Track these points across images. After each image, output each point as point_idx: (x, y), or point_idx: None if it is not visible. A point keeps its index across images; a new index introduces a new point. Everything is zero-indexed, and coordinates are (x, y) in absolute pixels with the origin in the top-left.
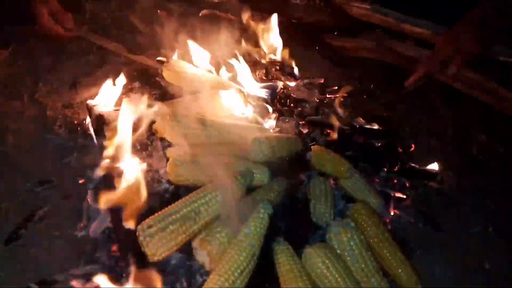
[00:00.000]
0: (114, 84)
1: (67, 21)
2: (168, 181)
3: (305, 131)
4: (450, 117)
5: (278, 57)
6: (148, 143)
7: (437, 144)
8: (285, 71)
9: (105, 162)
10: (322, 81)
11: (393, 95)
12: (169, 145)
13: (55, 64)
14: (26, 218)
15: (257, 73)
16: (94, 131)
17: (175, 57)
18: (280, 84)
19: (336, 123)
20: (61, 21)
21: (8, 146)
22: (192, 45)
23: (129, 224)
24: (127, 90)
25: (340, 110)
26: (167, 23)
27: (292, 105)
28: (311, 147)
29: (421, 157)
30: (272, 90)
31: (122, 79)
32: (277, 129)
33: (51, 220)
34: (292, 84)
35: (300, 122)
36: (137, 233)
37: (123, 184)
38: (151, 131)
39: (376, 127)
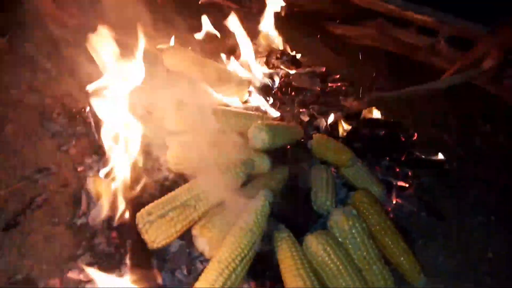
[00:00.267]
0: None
1: (71, 7)
2: (168, 169)
3: (306, 119)
4: (453, 107)
5: (279, 45)
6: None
7: (439, 134)
8: (286, 59)
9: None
10: (323, 69)
11: (394, 84)
12: (169, 133)
13: (55, 52)
14: (25, 206)
15: (258, 62)
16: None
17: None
18: (280, 72)
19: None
20: (64, 8)
21: (6, 134)
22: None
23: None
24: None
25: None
26: (165, 11)
27: (293, 93)
28: (313, 135)
29: (424, 147)
30: (273, 78)
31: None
32: (278, 117)
33: (49, 208)
34: (293, 72)
35: (301, 110)
36: (136, 221)
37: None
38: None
39: (378, 117)
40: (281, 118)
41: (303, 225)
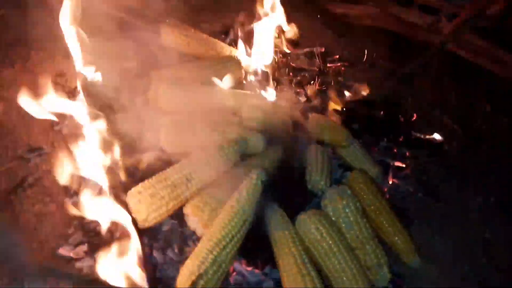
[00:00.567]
0: None
1: None
2: (162, 149)
3: (303, 99)
4: (454, 87)
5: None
6: (143, 110)
7: (439, 114)
8: (285, 39)
9: None
10: (323, 50)
11: (395, 65)
12: (164, 112)
13: (49, 32)
14: (16, 185)
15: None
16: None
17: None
18: (279, 52)
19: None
20: None
21: None
22: None
23: None
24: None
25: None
26: None
27: (291, 74)
28: (309, 115)
29: (423, 127)
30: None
31: None
32: (275, 97)
33: (41, 187)
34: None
35: (298, 91)
36: (127, 199)
37: None
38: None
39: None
40: (278, 98)
41: (298, 205)
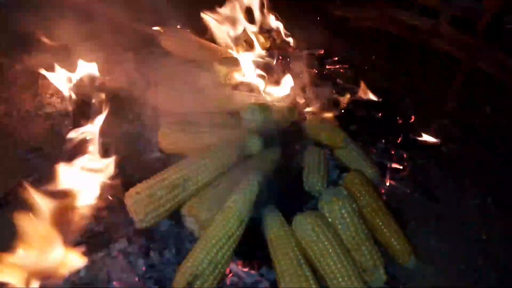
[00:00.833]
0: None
1: None
2: (160, 150)
3: (301, 101)
4: (453, 88)
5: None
6: (141, 112)
7: (438, 116)
8: (285, 41)
9: None
10: (322, 52)
11: (395, 66)
12: (162, 113)
13: (49, 32)
14: (16, 185)
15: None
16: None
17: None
18: (278, 54)
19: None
20: None
21: None
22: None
23: None
24: (122, 59)
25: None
26: None
27: (290, 75)
28: (307, 116)
29: (421, 129)
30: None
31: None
32: (273, 98)
33: (41, 188)
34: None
35: (297, 92)
36: (125, 200)
37: None
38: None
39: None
40: (277, 99)
41: (295, 206)
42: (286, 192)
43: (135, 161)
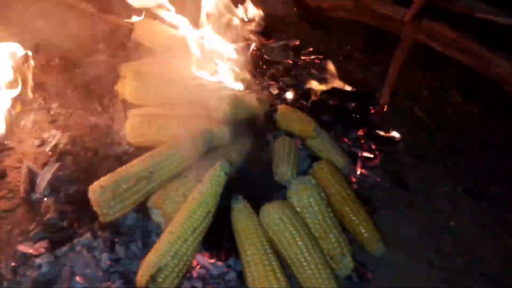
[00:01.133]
0: None
1: None
2: (128, 143)
3: (275, 92)
4: (425, 79)
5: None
6: (110, 104)
7: (411, 105)
8: (259, 32)
9: None
10: (297, 43)
11: (370, 57)
12: (131, 106)
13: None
14: None
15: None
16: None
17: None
18: (252, 45)
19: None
20: None
21: None
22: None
23: None
24: (92, 52)
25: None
26: None
27: (264, 66)
28: (278, 106)
29: (394, 118)
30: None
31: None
32: (246, 89)
33: (4, 183)
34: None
35: (271, 83)
36: (89, 194)
37: None
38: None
39: (350, 89)
40: (249, 91)
41: (265, 197)
42: (256, 183)
43: (102, 154)
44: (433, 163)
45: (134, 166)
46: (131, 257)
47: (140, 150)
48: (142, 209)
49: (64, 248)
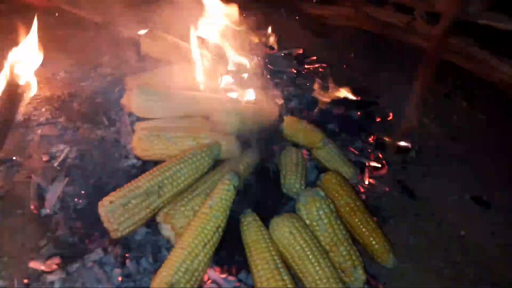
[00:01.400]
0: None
1: None
2: (136, 157)
3: (280, 102)
4: (430, 85)
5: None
6: (116, 118)
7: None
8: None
9: None
10: (301, 51)
11: (373, 64)
12: (137, 119)
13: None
14: None
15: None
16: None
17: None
18: (256, 55)
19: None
20: None
21: None
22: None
23: None
24: (96, 65)
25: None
26: None
27: (268, 76)
28: (284, 117)
29: (400, 126)
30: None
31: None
32: (252, 100)
33: (13, 199)
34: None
35: (276, 93)
36: (98, 210)
37: None
38: (119, 106)
39: (354, 97)
40: (255, 101)
41: (273, 209)
42: (263, 195)
43: (110, 168)
44: (440, 171)
45: (143, 181)
46: (142, 272)
47: (147, 163)
48: (151, 224)
49: (76, 264)
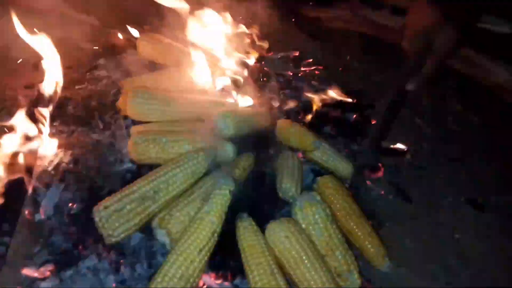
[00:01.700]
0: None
1: None
2: (131, 161)
3: (276, 105)
4: (425, 88)
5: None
6: (112, 121)
7: (411, 115)
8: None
9: None
10: (297, 54)
11: (369, 67)
12: (133, 123)
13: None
14: None
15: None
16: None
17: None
18: (252, 57)
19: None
20: None
21: None
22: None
23: None
24: (91, 68)
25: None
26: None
27: (264, 79)
28: (277, 121)
29: (395, 129)
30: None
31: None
32: (247, 103)
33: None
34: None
35: (272, 96)
36: (93, 215)
37: None
38: (114, 109)
39: (351, 100)
40: (250, 104)
41: (269, 213)
42: (259, 199)
43: (105, 172)
44: (435, 174)
45: (138, 186)
46: (137, 278)
47: (143, 167)
48: (146, 229)
49: (69, 271)
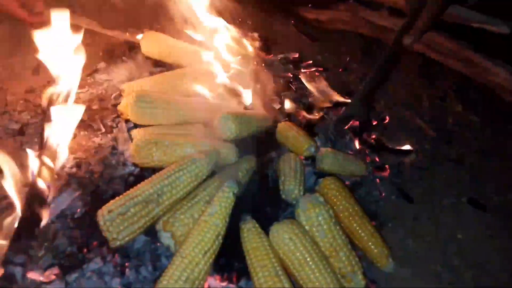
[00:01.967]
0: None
1: (36, 4)
2: (134, 164)
3: (277, 107)
4: (425, 88)
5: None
6: (113, 125)
7: (412, 115)
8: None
9: None
10: (297, 55)
11: (369, 68)
12: (135, 126)
13: (17, 48)
14: None
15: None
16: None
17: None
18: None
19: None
20: (29, 5)
21: None
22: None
23: None
24: (92, 71)
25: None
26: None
27: (265, 81)
28: (278, 124)
29: (396, 129)
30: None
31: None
32: (249, 106)
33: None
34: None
35: (273, 98)
36: (97, 219)
37: None
38: (116, 113)
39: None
40: (252, 107)
41: (272, 215)
42: (263, 201)
43: (107, 176)
44: (437, 174)
45: (142, 189)
46: (142, 281)
47: (146, 171)
48: (151, 232)
49: (75, 274)
